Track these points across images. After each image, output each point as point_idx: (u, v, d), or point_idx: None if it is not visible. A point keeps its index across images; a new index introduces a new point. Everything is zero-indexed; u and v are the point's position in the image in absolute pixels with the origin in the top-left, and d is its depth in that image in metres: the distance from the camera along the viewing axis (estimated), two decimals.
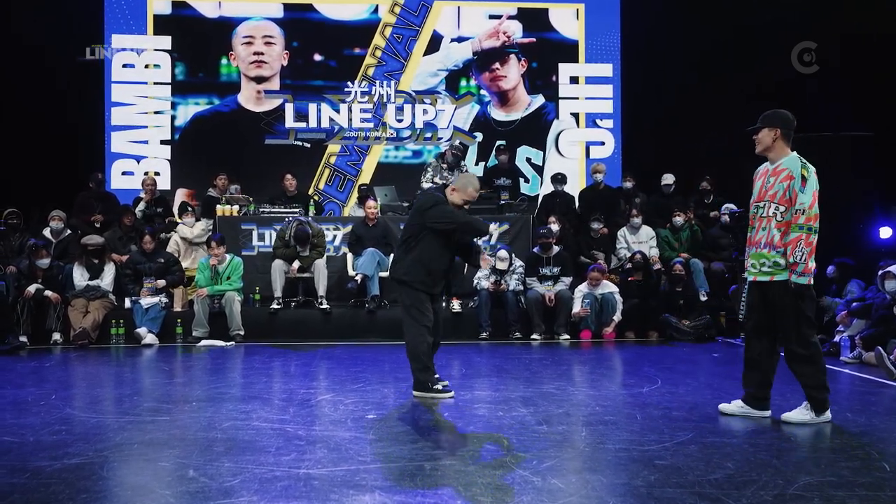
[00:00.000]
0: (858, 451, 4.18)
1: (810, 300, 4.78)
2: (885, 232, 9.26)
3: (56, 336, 8.61)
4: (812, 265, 4.70)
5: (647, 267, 9.40)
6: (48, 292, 8.55)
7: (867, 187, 10.28)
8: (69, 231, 9.56)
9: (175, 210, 11.01)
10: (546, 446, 4.30)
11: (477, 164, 12.63)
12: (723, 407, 5.12)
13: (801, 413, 4.85)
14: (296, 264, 9.13)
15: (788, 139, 4.95)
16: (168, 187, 12.21)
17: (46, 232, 9.39)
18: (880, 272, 7.52)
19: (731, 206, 10.09)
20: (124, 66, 12.40)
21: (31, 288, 8.50)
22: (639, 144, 12.59)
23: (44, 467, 3.88)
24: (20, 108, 11.36)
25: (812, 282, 4.73)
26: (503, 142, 12.27)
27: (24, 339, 8.38)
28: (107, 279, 8.99)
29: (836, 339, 7.76)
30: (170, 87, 12.54)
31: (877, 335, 7.14)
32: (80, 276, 8.87)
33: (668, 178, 10.64)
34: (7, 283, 8.52)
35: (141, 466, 3.99)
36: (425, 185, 10.50)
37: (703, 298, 9.31)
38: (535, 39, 12.93)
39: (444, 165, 10.60)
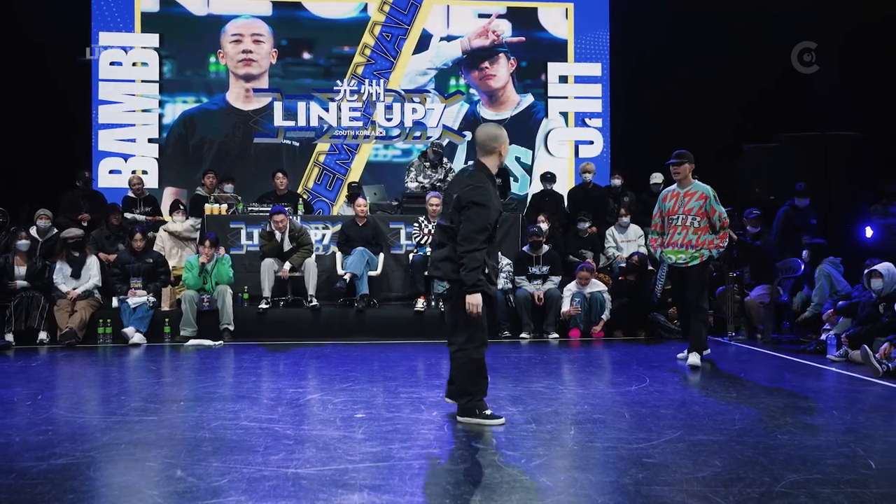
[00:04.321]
0: (844, 449, 4.21)
1: (707, 275, 7.02)
2: (868, 231, 9.32)
3: (42, 335, 8.55)
4: (724, 244, 6.89)
5: (643, 268, 9.43)
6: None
7: (854, 187, 10.37)
8: (56, 230, 9.51)
9: (165, 209, 10.97)
10: (535, 445, 4.31)
11: (466, 162, 12.62)
12: (689, 361, 6.84)
13: (695, 357, 6.82)
14: (287, 266, 9.10)
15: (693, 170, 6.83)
16: (156, 186, 12.15)
17: (33, 230, 9.33)
18: (866, 271, 7.57)
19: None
20: (111, 63, 12.33)
21: (18, 282, 8.49)
22: (627, 144, 12.63)
23: (30, 468, 3.86)
24: (6, 106, 11.30)
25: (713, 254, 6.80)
26: None
27: (10, 338, 8.35)
28: (92, 272, 8.93)
29: (823, 337, 7.78)
30: (158, 85, 12.49)
31: (863, 333, 7.17)
32: (61, 276, 8.80)
33: (657, 178, 10.67)
34: None
35: (128, 466, 3.97)
36: (410, 185, 10.52)
37: None
38: (524, 38, 12.95)
39: (427, 164, 10.62)
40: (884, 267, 7.36)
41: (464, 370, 4.74)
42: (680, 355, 7.12)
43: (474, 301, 4.52)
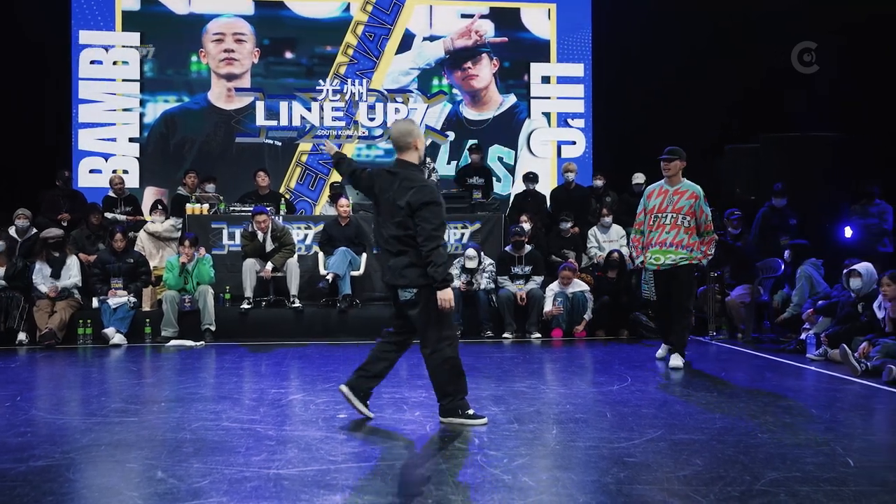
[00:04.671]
0: (824, 447, 4.24)
1: (694, 278, 6.96)
2: (847, 231, 9.39)
3: (22, 336, 8.48)
4: (712, 252, 6.77)
5: (622, 265, 9.47)
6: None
7: (834, 188, 10.43)
8: (35, 230, 9.43)
9: (146, 208, 10.89)
10: (517, 444, 4.31)
11: (449, 163, 12.65)
12: (669, 361, 6.79)
13: (678, 359, 6.76)
14: (269, 266, 9.07)
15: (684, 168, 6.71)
16: (137, 186, 12.06)
17: (11, 230, 9.25)
18: (845, 270, 7.63)
19: None
20: (92, 62, 12.23)
21: None
22: (610, 144, 12.66)
23: (8, 470, 3.82)
24: None
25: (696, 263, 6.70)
26: (475, 141, 12.27)
27: None
28: (73, 272, 8.87)
29: (803, 336, 7.84)
30: (139, 84, 12.40)
31: (842, 333, 7.23)
32: (41, 276, 8.72)
33: (639, 178, 10.71)
34: None
35: (108, 468, 3.95)
36: None
37: None
38: (506, 39, 12.95)
39: None
40: (863, 267, 7.42)
41: (440, 370, 4.70)
42: (659, 353, 7.14)
43: (446, 296, 4.55)
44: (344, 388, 4.87)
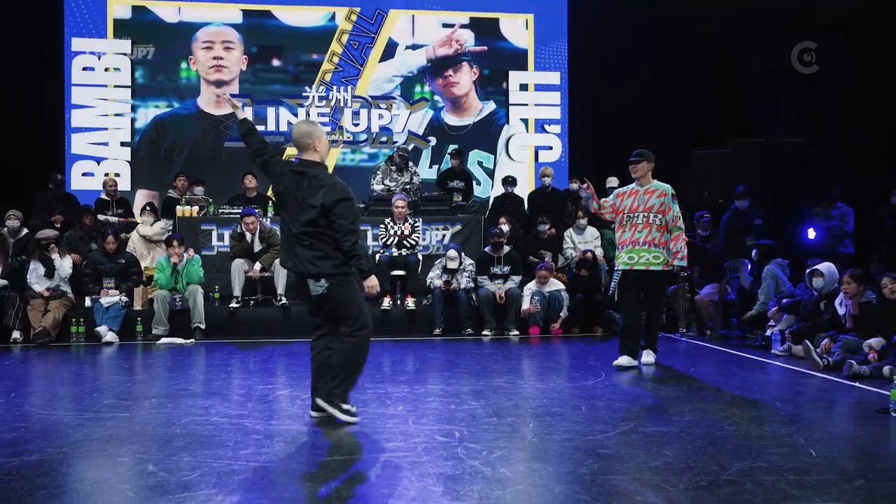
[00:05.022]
0: (787, 439, 4.27)
1: (669, 283, 6.59)
2: (810, 233, 9.48)
3: (16, 335, 8.40)
4: (686, 252, 6.55)
5: (595, 265, 9.51)
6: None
7: (798, 192, 10.54)
8: (26, 230, 9.34)
9: (138, 211, 10.82)
10: (496, 437, 4.32)
11: (431, 167, 12.65)
12: (617, 363, 6.56)
13: (650, 355, 6.68)
14: (257, 266, 9.04)
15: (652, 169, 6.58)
16: (128, 188, 11.98)
17: (4, 230, 9.16)
18: (808, 270, 7.71)
19: None
20: (84, 69, 12.13)
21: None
22: (585, 149, 12.70)
23: (2, 464, 3.79)
24: None
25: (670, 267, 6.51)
26: (456, 146, 12.27)
27: None
28: (65, 271, 8.80)
29: (768, 333, 7.90)
30: (130, 90, 12.31)
31: (805, 329, 7.30)
32: (35, 276, 8.66)
33: (613, 181, 10.74)
34: None
35: (100, 462, 3.92)
36: (376, 188, 10.49)
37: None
38: (486, 48, 12.98)
39: (393, 167, 10.62)
40: (825, 267, 7.50)
41: (348, 354, 4.63)
42: (643, 359, 6.72)
43: (373, 283, 4.72)
44: (319, 405, 4.66)
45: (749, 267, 9.01)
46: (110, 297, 8.64)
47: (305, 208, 4.50)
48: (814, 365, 6.66)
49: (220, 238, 9.87)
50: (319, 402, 4.65)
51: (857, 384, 5.93)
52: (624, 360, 6.55)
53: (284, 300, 9.07)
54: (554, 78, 13.08)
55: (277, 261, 9.09)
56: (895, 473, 3.68)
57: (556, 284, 9.10)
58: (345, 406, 4.64)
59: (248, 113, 4.92)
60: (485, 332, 8.96)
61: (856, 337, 6.66)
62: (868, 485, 3.47)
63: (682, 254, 6.51)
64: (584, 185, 6.82)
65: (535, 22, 13.04)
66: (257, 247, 9.14)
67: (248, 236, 9.13)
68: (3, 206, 9.58)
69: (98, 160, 12.15)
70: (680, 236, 6.51)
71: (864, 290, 6.93)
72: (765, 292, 8.43)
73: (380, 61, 12.79)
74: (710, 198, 10.71)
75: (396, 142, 12.43)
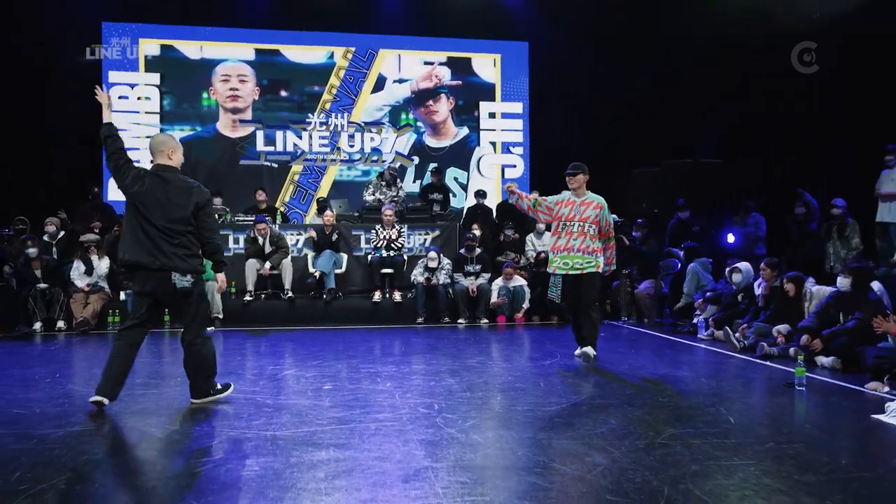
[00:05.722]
0: (711, 409, 4.32)
1: (599, 281, 6.07)
2: (730, 237, 9.58)
3: (60, 324, 8.31)
4: (614, 258, 6.19)
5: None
6: None
7: (718, 203, 10.67)
8: (63, 232, 9.23)
9: None
10: (469, 409, 4.33)
11: (414, 182, 12.63)
12: (577, 353, 6.08)
13: (590, 350, 5.93)
14: (267, 265, 8.98)
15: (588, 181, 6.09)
16: None
17: (45, 236, 9.04)
18: (728, 268, 7.79)
19: (613, 216, 10.28)
20: (120, 97, 11.99)
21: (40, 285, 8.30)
22: (543, 167, 12.76)
23: (49, 434, 3.74)
24: (30, 133, 10.91)
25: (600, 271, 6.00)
26: (435, 164, 12.29)
27: (37, 326, 8.13)
28: (102, 270, 8.70)
29: (694, 321, 7.98)
30: (159, 115, 12.20)
31: (724, 318, 7.39)
32: (77, 273, 8.58)
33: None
34: (16, 279, 8.22)
35: (132, 432, 3.88)
36: (369, 199, 10.47)
37: None
38: (461, 82, 13.00)
39: (384, 183, 10.61)
40: (743, 265, 7.60)
41: (202, 359, 4.37)
42: (577, 352, 6.16)
43: (224, 278, 4.60)
44: (95, 397, 4.24)
45: (678, 265, 9.09)
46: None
47: (175, 208, 4.20)
48: (732, 347, 6.74)
49: (236, 241, 9.80)
50: (194, 400, 4.41)
51: (767, 363, 6.02)
52: (588, 350, 6.00)
53: (291, 294, 9.01)
54: (517, 108, 13.13)
55: (284, 261, 9.06)
56: (799, 437, 3.72)
57: (519, 280, 9.13)
58: (217, 387, 4.48)
59: (109, 116, 4.43)
60: (460, 321, 8.97)
61: (766, 323, 6.75)
62: (776, 446, 3.51)
63: (613, 260, 6.17)
64: (507, 187, 6.32)
65: (501, 61, 13.08)
66: (268, 248, 9.08)
67: (260, 240, 9.07)
68: (51, 214, 9.46)
69: None
70: (612, 246, 6.13)
71: (776, 275, 7.03)
72: (688, 286, 8.53)
73: (371, 93, 12.77)
74: (646, 208, 10.81)
75: (386, 161, 12.42)
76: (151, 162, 4.39)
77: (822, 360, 5.77)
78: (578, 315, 6.05)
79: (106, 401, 4.22)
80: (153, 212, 4.18)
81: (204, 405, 4.40)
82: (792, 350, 6.08)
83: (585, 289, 5.91)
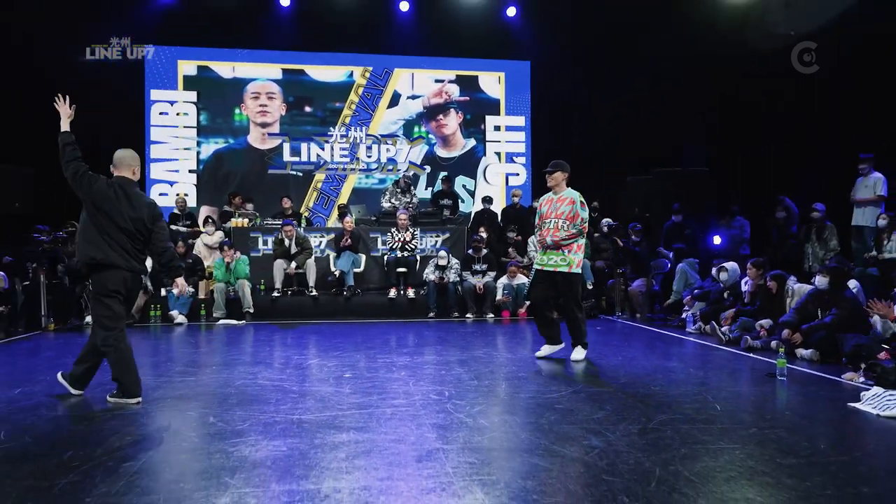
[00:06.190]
0: (698, 397, 4.30)
1: (578, 283, 5.60)
2: (716, 239, 9.52)
3: None
4: (581, 259, 5.54)
5: None
6: None
7: (707, 207, 10.57)
8: None
9: (200, 222, 10.78)
10: (476, 396, 4.32)
11: (426, 189, 12.63)
12: (538, 354, 5.72)
13: (579, 352, 5.63)
14: (293, 264, 9.01)
15: (567, 179, 5.66)
16: (194, 205, 11.93)
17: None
18: (715, 268, 7.75)
19: (609, 220, 10.28)
20: (161, 113, 12.09)
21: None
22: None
23: (98, 415, 3.77)
24: (84, 149, 10.94)
25: (580, 270, 5.55)
26: (446, 173, 12.27)
27: (90, 319, 8.18)
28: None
29: (683, 316, 7.96)
30: (195, 129, 12.26)
31: (711, 313, 7.34)
32: None
33: None
34: (69, 277, 8.28)
35: (173, 415, 3.90)
36: (385, 205, 10.49)
37: (590, 287, 9.47)
38: (468, 98, 12.98)
39: (399, 190, 10.62)
40: (730, 264, 7.55)
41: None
42: (539, 353, 5.79)
43: (183, 282, 4.53)
44: (61, 377, 4.32)
45: (668, 265, 9.05)
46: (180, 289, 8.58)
47: (137, 215, 4.13)
48: (718, 340, 6.70)
49: (265, 243, 9.84)
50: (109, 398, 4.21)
51: (751, 355, 5.98)
52: (544, 349, 5.76)
53: (314, 291, 9.04)
54: (520, 121, 13.10)
55: (308, 261, 9.09)
56: (781, 423, 3.69)
57: (522, 278, 9.11)
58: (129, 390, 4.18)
59: (67, 125, 4.27)
60: (468, 316, 8.96)
61: (750, 318, 6.70)
62: (759, 432, 3.48)
63: (577, 261, 5.51)
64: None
65: (505, 78, 13.06)
66: (294, 249, 9.11)
67: (287, 241, 9.11)
68: None
69: (171, 183, 12.10)
70: (581, 247, 5.54)
71: (762, 273, 6.98)
72: (677, 284, 8.49)
73: (387, 108, 12.78)
74: (639, 213, 10.75)
75: (400, 170, 12.43)
76: (112, 171, 4.30)
77: (802, 352, 5.72)
78: (541, 313, 5.67)
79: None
80: (121, 217, 4.10)
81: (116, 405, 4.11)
82: (774, 343, 6.03)
83: (563, 289, 5.51)
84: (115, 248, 4.09)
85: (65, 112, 4.33)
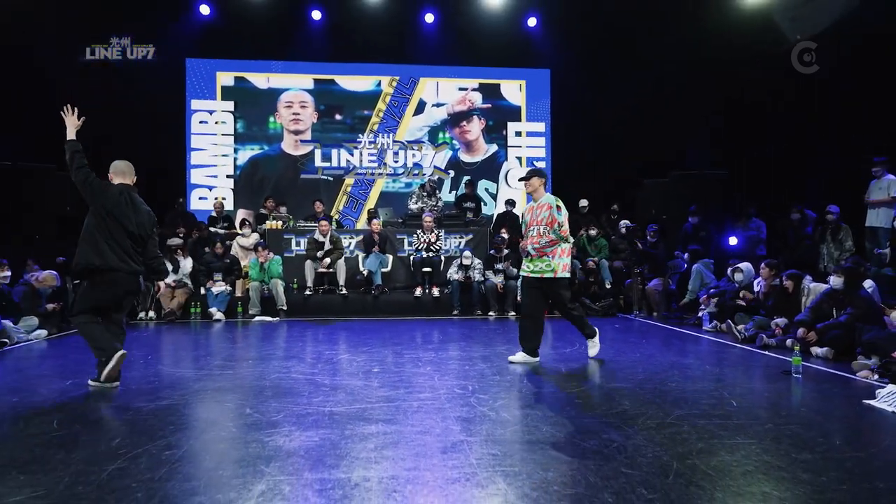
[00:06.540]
0: (715, 393, 4.24)
1: (566, 287, 5.30)
2: (732, 240, 9.38)
3: (151, 314, 8.52)
4: (567, 263, 5.24)
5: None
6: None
7: (723, 209, 10.42)
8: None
9: (237, 224, 10.93)
10: (499, 390, 4.32)
11: (450, 192, 12.64)
12: (511, 358, 5.36)
13: (593, 345, 5.52)
14: (326, 260, 9.10)
15: (545, 185, 5.44)
16: (231, 208, 12.09)
17: None
18: (730, 268, 7.63)
19: (627, 222, 10.18)
20: (200, 122, 12.29)
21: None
22: (563, 179, 12.66)
23: (143, 406, 3.84)
24: (130, 156, 11.16)
25: (567, 275, 5.26)
26: (469, 177, 12.28)
27: (142, 314, 8.42)
28: (186, 268, 8.91)
29: (699, 314, 7.85)
30: (233, 137, 12.43)
31: (727, 311, 7.23)
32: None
33: (583, 203, 10.71)
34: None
35: (212, 406, 3.96)
36: (412, 208, 10.51)
37: (608, 286, 9.40)
38: (490, 105, 12.96)
39: (425, 193, 10.64)
40: (744, 265, 7.44)
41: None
42: (513, 358, 5.37)
43: (165, 282, 4.65)
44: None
45: (684, 265, 8.93)
46: (218, 287, 8.72)
47: (142, 221, 4.29)
48: (734, 338, 6.60)
49: (298, 244, 9.93)
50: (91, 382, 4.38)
51: (766, 353, 5.89)
52: (518, 356, 5.36)
53: (344, 290, 9.10)
54: (540, 127, 13.04)
55: (339, 261, 9.15)
56: (795, 419, 3.62)
57: None
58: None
59: (73, 133, 4.35)
60: (490, 313, 8.94)
61: (765, 316, 6.59)
62: (775, 427, 3.42)
63: (563, 265, 5.23)
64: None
65: (526, 86, 13.01)
66: (327, 246, 9.20)
67: (321, 238, 9.20)
68: None
69: (210, 188, 12.28)
70: (565, 251, 5.25)
71: (774, 274, 6.86)
72: (692, 284, 8.38)
73: (413, 115, 12.81)
74: (656, 214, 10.63)
75: (426, 174, 12.45)
76: (110, 178, 4.42)
77: (817, 350, 5.61)
78: (527, 324, 5.34)
79: (117, 383, 4.34)
80: (129, 221, 4.22)
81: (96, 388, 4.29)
82: (789, 341, 5.92)
83: (552, 295, 5.26)
84: (116, 252, 4.21)
85: (72, 122, 4.36)
